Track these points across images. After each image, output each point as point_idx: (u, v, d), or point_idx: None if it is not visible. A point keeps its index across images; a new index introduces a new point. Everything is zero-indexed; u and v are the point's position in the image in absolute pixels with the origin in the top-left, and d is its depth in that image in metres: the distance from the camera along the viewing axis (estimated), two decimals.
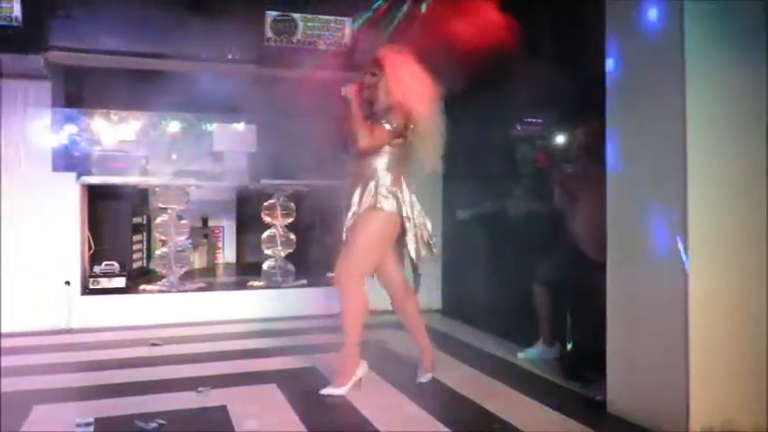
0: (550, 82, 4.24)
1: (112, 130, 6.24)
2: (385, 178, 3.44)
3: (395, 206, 3.43)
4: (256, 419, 3.15)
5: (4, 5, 4.36)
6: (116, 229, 5.85)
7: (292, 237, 6.12)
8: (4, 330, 4.82)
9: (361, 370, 3.58)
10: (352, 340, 3.53)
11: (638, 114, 3.09)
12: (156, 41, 5.08)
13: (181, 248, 5.80)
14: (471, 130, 5.45)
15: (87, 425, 2.96)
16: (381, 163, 3.45)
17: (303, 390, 3.59)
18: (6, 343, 4.59)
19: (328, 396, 3.47)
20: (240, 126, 6.01)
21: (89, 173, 5.43)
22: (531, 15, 4.35)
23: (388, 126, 3.38)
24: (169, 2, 4.94)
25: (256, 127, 5.91)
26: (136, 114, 6.33)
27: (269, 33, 4.99)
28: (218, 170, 5.98)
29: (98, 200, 5.63)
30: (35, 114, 5.12)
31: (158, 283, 5.72)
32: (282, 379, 3.76)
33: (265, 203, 6.05)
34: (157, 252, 5.93)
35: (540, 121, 5.22)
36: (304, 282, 6.07)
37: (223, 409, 3.26)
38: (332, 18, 5.09)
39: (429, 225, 3.63)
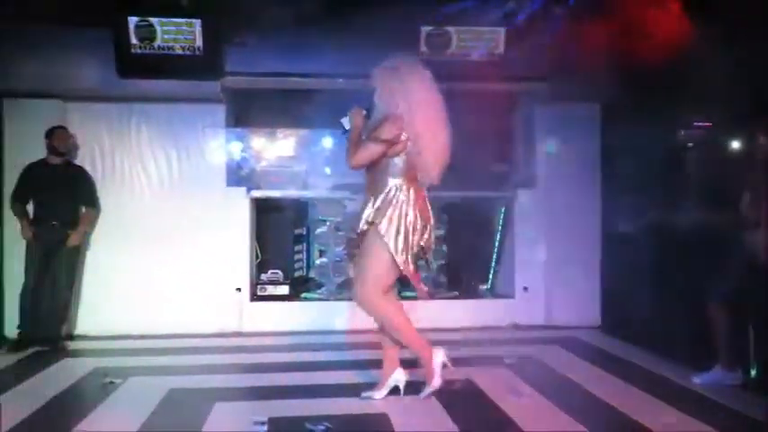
0: (725, 82, 3.91)
1: (276, 147, 6.66)
2: (387, 191, 3.40)
3: (387, 231, 3.36)
4: (417, 428, 3.18)
5: (188, 36, 4.82)
6: (280, 240, 6.21)
7: (444, 248, 6.14)
8: (184, 331, 5.29)
9: (441, 355, 3.57)
10: (412, 335, 3.55)
11: None
12: (315, 62, 5.34)
13: (338, 258, 6.04)
14: (634, 137, 5.17)
15: (262, 423, 3.15)
16: (385, 175, 3.43)
17: (460, 401, 3.59)
18: (187, 343, 5.06)
19: (489, 409, 3.45)
20: None
21: (257, 187, 5.83)
22: (702, 10, 4.03)
23: (372, 142, 3.37)
24: (327, 22, 5.16)
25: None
26: (296, 131, 6.70)
27: (423, 48, 5.05)
28: None
29: (264, 212, 6.02)
30: (211, 135, 5.61)
31: (317, 291, 5.99)
32: (439, 390, 3.76)
33: None
34: (317, 261, 6.23)
35: (711, 124, 4.81)
36: (455, 293, 6.06)
37: (384, 416, 3.33)
38: (486, 29, 5.04)
39: (422, 239, 3.47)
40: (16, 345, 4.89)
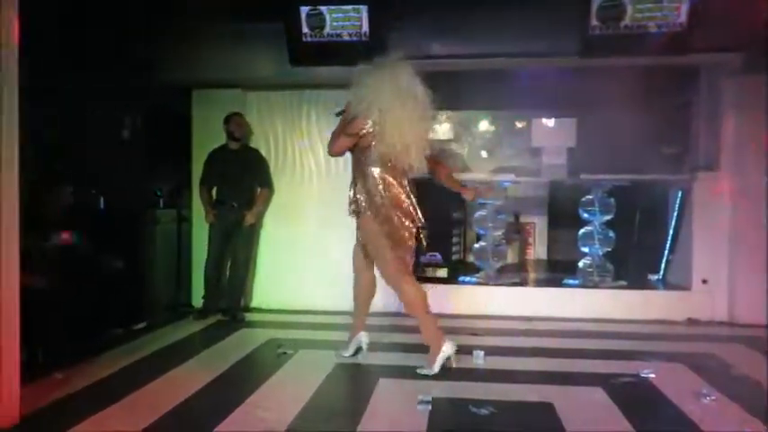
0: None
1: (437, 130, 6.66)
2: (367, 177, 3.81)
3: (371, 204, 3.80)
4: (585, 421, 3.04)
5: (355, 23, 4.94)
6: (438, 222, 6.22)
7: (611, 234, 5.81)
8: (348, 308, 5.48)
9: (449, 347, 3.76)
10: (431, 321, 3.82)
11: None
12: (477, 42, 5.25)
13: (498, 243, 5.94)
14: None
15: (427, 402, 3.19)
16: (364, 162, 3.84)
17: (633, 397, 3.39)
18: (351, 320, 5.24)
19: (665, 407, 3.18)
20: (559, 121, 5.89)
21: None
22: None
23: (343, 135, 3.84)
24: (494, 1, 5.04)
25: (576, 120, 5.74)
26: (457, 114, 6.66)
27: (594, 21, 4.75)
28: (535, 166, 5.97)
29: (423, 194, 6.03)
30: None
31: (475, 275, 5.95)
32: (609, 383, 3.58)
33: (583, 199, 5.86)
34: (475, 245, 6.17)
35: None
36: (623, 283, 5.71)
37: (549, 406, 3.23)
38: None
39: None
40: (201, 313, 5.39)
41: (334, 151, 3.99)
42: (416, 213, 3.89)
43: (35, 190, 3.96)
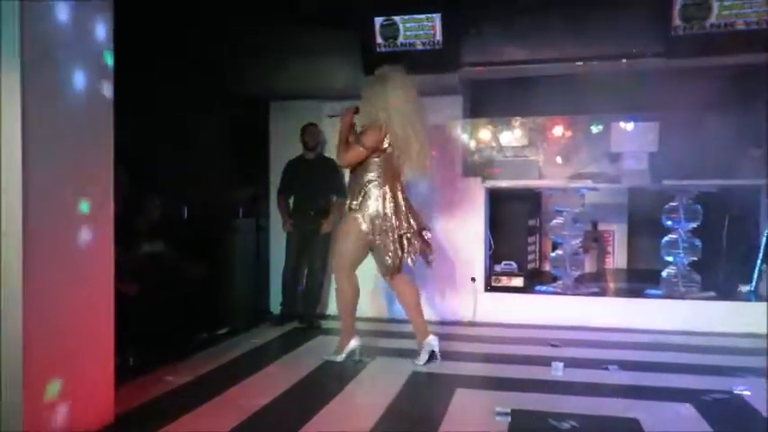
0: None
1: (511, 136, 6.58)
2: (366, 185, 4.03)
3: (363, 217, 4.03)
4: None
5: (428, 32, 4.97)
6: (513, 231, 6.15)
7: (697, 243, 5.55)
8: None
9: (355, 342, 4.22)
10: (346, 317, 4.21)
11: None
12: (556, 46, 5.14)
13: (575, 252, 5.79)
14: None
15: (506, 414, 3.13)
16: (369, 175, 4.06)
17: (726, 415, 3.22)
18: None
19: (761, 426, 3.00)
20: (639, 125, 5.68)
21: (492, 177, 5.82)
22: None
23: (360, 147, 4.01)
24: (566, 4, 4.94)
25: (658, 124, 5.52)
26: (532, 120, 6.55)
27: (677, 21, 4.58)
28: (615, 172, 5.77)
29: (497, 202, 5.99)
30: (449, 125, 5.70)
31: (552, 284, 5.82)
32: (699, 400, 3.41)
33: (666, 206, 5.63)
34: (552, 254, 6.04)
35: None
36: (711, 294, 5.44)
37: (635, 422, 3.11)
38: None
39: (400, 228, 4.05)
40: (278, 320, 5.51)
41: (348, 162, 4.14)
42: (409, 218, 4.10)
43: (126, 202, 4.16)
